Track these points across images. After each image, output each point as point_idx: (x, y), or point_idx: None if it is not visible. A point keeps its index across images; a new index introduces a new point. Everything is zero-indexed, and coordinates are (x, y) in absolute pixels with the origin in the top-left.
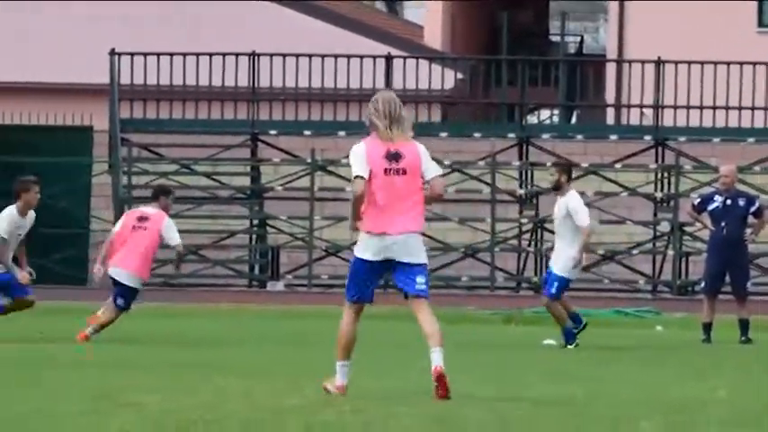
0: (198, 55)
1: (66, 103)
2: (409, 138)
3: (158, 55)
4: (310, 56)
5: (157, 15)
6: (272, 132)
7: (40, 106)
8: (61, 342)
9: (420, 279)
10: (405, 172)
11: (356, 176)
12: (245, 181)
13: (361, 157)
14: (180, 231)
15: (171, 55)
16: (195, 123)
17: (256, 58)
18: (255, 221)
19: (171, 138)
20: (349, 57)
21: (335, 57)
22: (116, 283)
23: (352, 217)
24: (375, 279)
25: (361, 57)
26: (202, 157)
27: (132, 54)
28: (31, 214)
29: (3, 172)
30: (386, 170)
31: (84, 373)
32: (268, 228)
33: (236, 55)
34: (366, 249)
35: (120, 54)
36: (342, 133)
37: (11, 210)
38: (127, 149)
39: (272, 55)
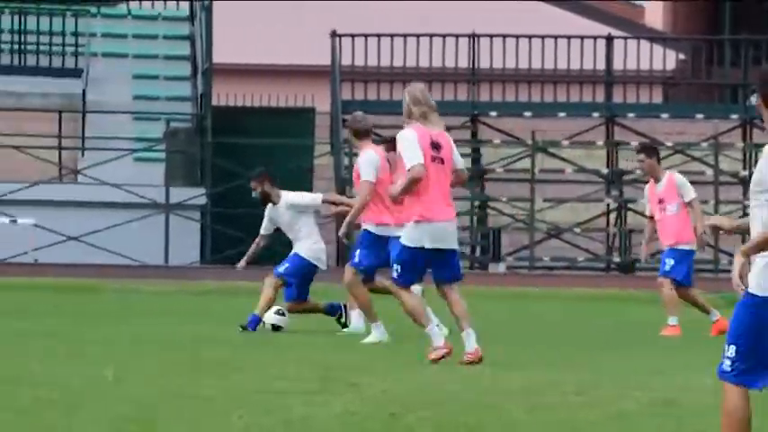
0: (418, 36)
1: (288, 84)
2: (443, 127)
3: (379, 36)
4: (530, 37)
5: None
6: (493, 114)
7: (264, 88)
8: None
9: (458, 264)
10: (443, 161)
11: (417, 164)
12: (466, 163)
13: (415, 143)
14: None
15: (391, 36)
16: None
17: (476, 39)
18: (476, 203)
19: (392, 119)
20: (569, 37)
21: (555, 38)
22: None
23: (403, 191)
24: (426, 265)
25: (582, 37)
26: None
27: (353, 36)
28: (283, 200)
29: (229, 153)
30: (432, 158)
31: (311, 351)
32: (489, 209)
33: (457, 36)
34: (421, 238)
35: (341, 36)
36: (562, 114)
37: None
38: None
39: (492, 36)
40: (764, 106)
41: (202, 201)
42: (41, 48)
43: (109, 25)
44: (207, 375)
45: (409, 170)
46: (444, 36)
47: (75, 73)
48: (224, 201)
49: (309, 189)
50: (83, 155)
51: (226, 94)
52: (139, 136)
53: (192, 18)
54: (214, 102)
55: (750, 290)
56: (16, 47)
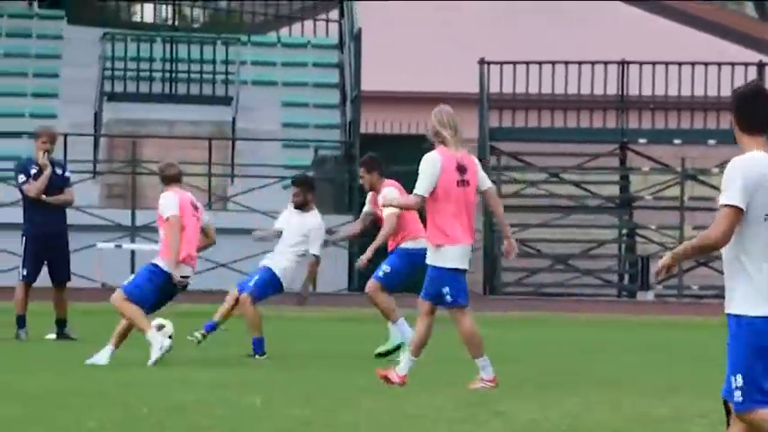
0: (567, 63)
1: None
2: (466, 150)
3: (527, 63)
4: (680, 63)
5: (525, 25)
6: (642, 141)
7: (411, 115)
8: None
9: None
10: (468, 183)
11: (420, 197)
12: (614, 190)
13: (433, 172)
14: (548, 240)
15: (539, 63)
16: (563, 132)
17: (626, 66)
18: (624, 231)
19: (539, 146)
20: (720, 64)
21: (705, 64)
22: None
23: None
24: None
25: (732, 64)
26: (571, 165)
27: (501, 63)
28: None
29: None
30: (458, 182)
31: (452, 382)
32: (637, 237)
33: (605, 63)
34: (455, 259)
35: (489, 63)
36: (712, 142)
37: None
38: (495, 158)
39: (641, 63)
40: (737, 127)
41: None
42: (192, 76)
43: (259, 53)
44: (347, 402)
45: (413, 195)
46: (593, 63)
47: (226, 101)
48: (373, 228)
49: None
50: (232, 182)
51: (374, 122)
52: (288, 163)
53: (341, 46)
54: (362, 129)
55: (735, 312)
56: (168, 75)
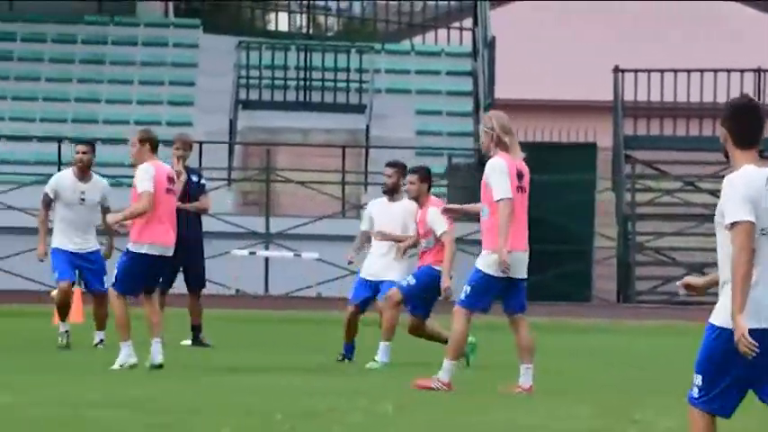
0: (702, 71)
1: (570, 120)
2: (523, 157)
3: (662, 71)
4: None
5: (659, 32)
6: None
7: (545, 123)
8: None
9: (525, 294)
10: (525, 190)
11: (507, 197)
12: None
13: (506, 174)
14: (683, 249)
15: (674, 71)
16: (699, 140)
17: (762, 73)
18: None
19: (675, 155)
20: None
21: None
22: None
23: (504, 236)
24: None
25: None
26: (706, 173)
27: (636, 71)
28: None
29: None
30: (517, 188)
31: (589, 390)
32: None
33: (741, 71)
34: (498, 266)
35: (624, 71)
36: None
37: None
38: (630, 166)
39: None
40: (730, 141)
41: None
42: (326, 84)
43: (393, 61)
44: (473, 409)
45: (499, 201)
46: (729, 71)
47: (359, 109)
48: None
49: (591, 225)
50: (366, 190)
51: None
52: None
53: (474, 54)
54: None
55: (717, 323)
56: (302, 83)
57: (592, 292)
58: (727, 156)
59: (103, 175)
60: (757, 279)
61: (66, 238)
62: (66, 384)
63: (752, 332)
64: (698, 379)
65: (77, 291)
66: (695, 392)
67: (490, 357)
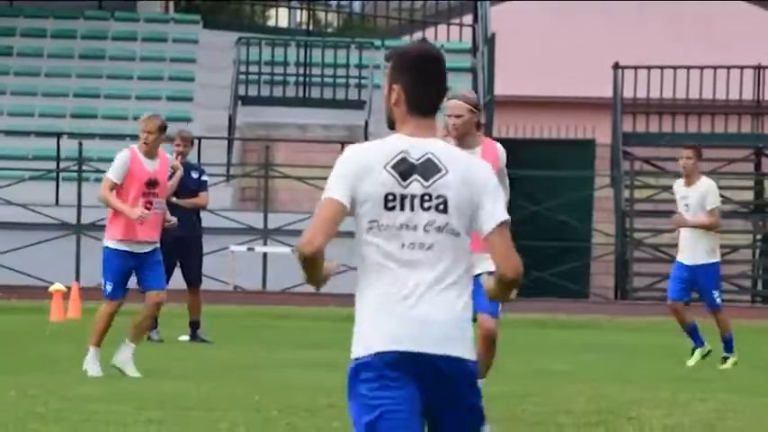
0: (701, 68)
1: (569, 116)
2: None
3: (661, 68)
4: None
5: (660, 29)
6: None
7: (544, 120)
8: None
9: None
10: None
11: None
12: (748, 195)
13: None
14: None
15: (674, 68)
16: (697, 137)
17: (761, 70)
18: (759, 236)
19: (673, 151)
20: None
21: None
22: None
23: None
24: None
25: None
26: (704, 170)
27: (635, 68)
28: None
29: (510, 184)
30: None
31: (585, 386)
32: None
33: (741, 68)
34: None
35: (623, 68)
36: None
37: None
38: (629, 163)
39: None
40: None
41: None
42: (325, 80)
43: None
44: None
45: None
46: (728, 68)
47: (359, 104)
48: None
49: (589, 221)
50: None
51: (507, 126)
52: None
53: (474, 50)
54: (495, 133)
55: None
56: (301, 79)
57: (589, 288)
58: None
59: (102, 171)
60: None
61: None
62: (65, 379)
63: None
64: None
65: (75, 285)
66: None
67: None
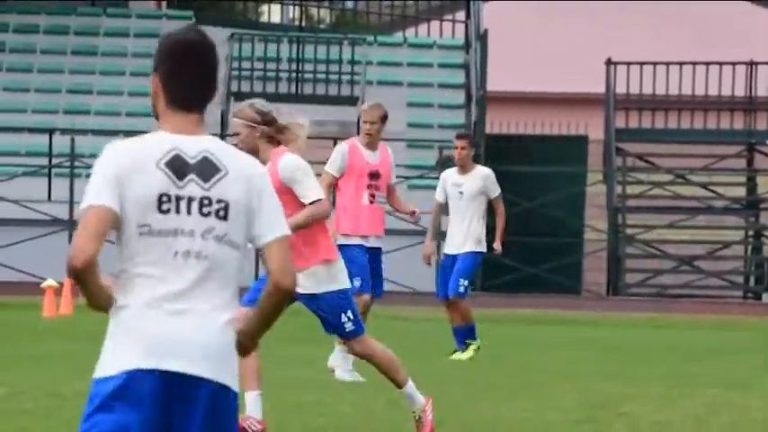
0: (694, 64)
1: (562, 112)
2: None
3: (654, 64)
4: None
5: (653, 25)
6: None
7: (537, 116)
8: (547, 350)
9: None
10: None
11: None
12: (741, 191)
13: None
14: (674, 242)
15: (667, 64)
16: (690, 133)
17: (754, 66)
18: (751, 232)
19: (666, 147)
20: None
21: None
22: None
23: None
24: None
25: None
26: (697, 166)
27: (628, 63)
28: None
29: (502, 181)
30: None
31: (577, 382)
32: (764, 239)
33: (733, 64)
34: None
35: (616, 63)
36: None
37: None
38: (621, 159)
39: None
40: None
41: None
42: (318, 76)
43: (385, 53)
44: (460, 402)
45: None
46: (721, 64)
47: (351, 101)
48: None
49: (581, 217)
50: None
51: (499, 122)
52: (413, 163)
53: (467, 46)
54: (487, 130)
55: None
56: (294, 75)
57: (582, 284)
58: None
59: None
60: None
61: None
62: (59, 375)
63: None
64: None
65: (67, 282)
66: None
67: (481, 351)
